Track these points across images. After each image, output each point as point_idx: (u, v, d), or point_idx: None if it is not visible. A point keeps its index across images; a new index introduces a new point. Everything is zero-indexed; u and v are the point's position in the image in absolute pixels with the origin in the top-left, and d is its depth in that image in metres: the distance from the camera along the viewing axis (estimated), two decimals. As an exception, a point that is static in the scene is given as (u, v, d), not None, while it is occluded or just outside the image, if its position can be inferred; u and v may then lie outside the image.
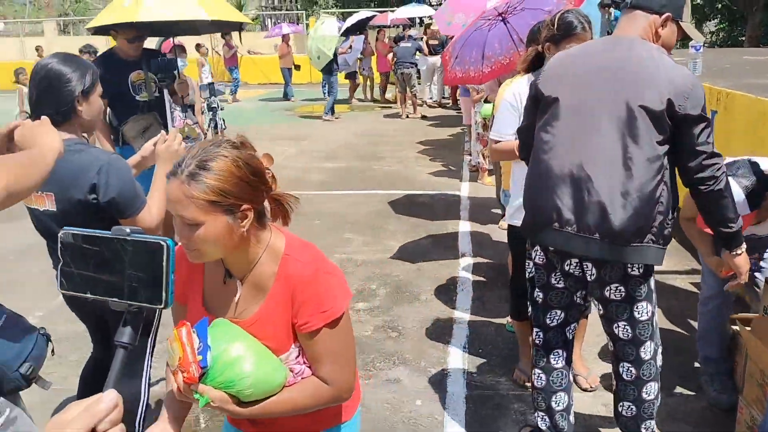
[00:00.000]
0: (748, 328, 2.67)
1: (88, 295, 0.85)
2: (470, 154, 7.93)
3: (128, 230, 0.84)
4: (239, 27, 4.77)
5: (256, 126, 12.05)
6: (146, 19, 4.00)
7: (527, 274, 2.50)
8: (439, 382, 3.27)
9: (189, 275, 1.55)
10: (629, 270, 2.16)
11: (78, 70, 2.17)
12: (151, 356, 2.53)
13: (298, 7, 27.34)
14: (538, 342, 2.48)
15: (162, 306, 0.81)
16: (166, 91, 4.01)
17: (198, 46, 13.80)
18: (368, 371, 3.38)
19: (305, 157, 9.10)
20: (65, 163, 2.08)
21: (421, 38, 13.92)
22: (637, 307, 2.22)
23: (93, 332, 2.63)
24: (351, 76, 15.25)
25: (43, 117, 1.76)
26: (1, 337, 1.53)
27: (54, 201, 2.15)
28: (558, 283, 2.35)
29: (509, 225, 3.15)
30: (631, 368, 2.31)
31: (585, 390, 3.13)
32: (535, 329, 2.49)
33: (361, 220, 6.02)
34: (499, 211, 5.80)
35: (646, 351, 2.28)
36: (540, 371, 2.47)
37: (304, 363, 1.48)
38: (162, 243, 0.80)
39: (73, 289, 0.86)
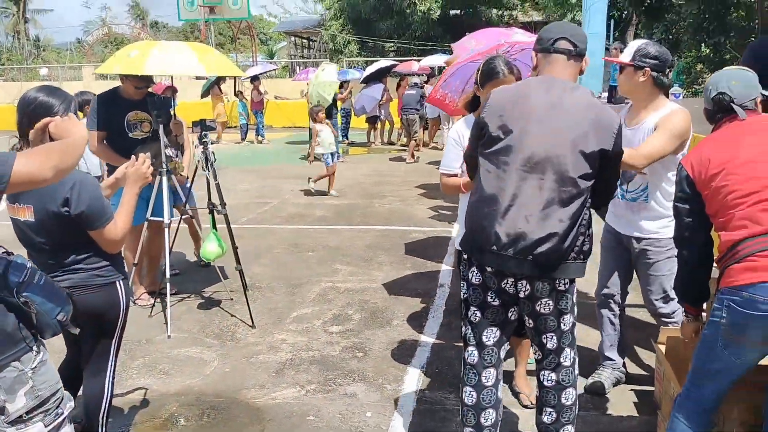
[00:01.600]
0: (663, 347, 2.87)
1: None
2: None
3: None
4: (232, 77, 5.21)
5: (272, 165, 12.57)
6: (150, 73, 4.42)
7: (462, 296, 2.70)
8: (391, 396, 3.48)
9: None
10: (557, 285, 2.39)
11: (64, 101, 2.47)
12: (116, 356, 2.82)
13: (325, 56, 28.33)
14: (471, 361, 2.60)
15: None
16: (161, 129, 4.42)
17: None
18: (328, 386, 3.61)
19: (311, 194, 9.48)
20: None
21: (422, 85, 14.46)
22: (563, 319, 2.45)
23: (65, 336, 2.92)
24: (371, 120, 15.78)
25: (69, 113, 2.18)
26: (42, 292, 1.96)
27: (33, 212, 2.45)
28: (494, 301, 2.51)
29: (456, 250, 3.39)
30: (551, 374, 2.51)
31: (526, 407, 3.31)
32: (469, 348, 2.62)
33: (353, 253, 6.31)
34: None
35: (566, 358, 2.50)
36: (471, 389, 2.60)
37: None
38: None
39: None
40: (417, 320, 4.55)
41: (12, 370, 1.86)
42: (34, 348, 1.94)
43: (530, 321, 2.50)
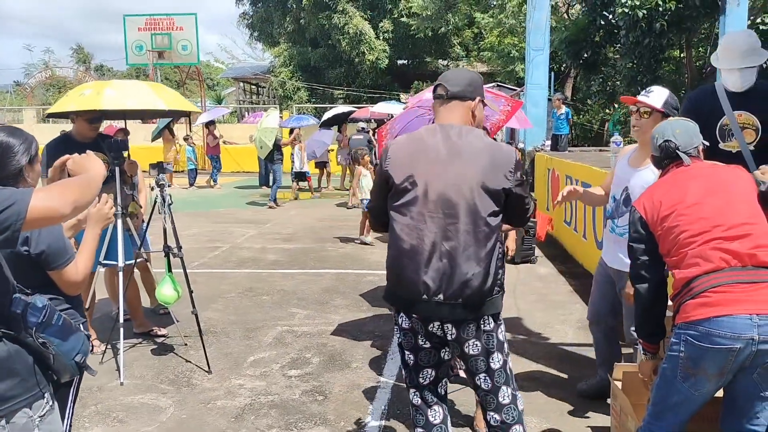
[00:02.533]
0: (619, 383, 2.97)
1: None
2: None
3: None
4: (188, 114, 5.23)
5: (222, 210, 12.46)
6: (110, 108, 4.39)
7: (397, 340, 2.68)
8: (354, 439, 3.47)
9: None
10: (482, 326, 2.45)
11: (24, 142, 2.42)
12: (74, 404, 2.73)
13: (274, 102, 28.52)
14: (416, 402, 2.64)
15: None
16: (117, 170, 4.38)
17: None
18: (289, 431, 3.57)
19: (264, 238, 9.42)
20: None
21: (368, 130, 14.74)
22: (492, 358, 2.48)
23: None
24: (320, 165, 15.88)
25: (87, 150, 2.17)
26: (61, 333, 1.92)
27: None
28: (425, 344, 2.55)
29: None
30: (495, 415, 2.53)
31: None
32: (411, 391, 2.66)
33: (308, 297, 6.28)
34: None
35: (504, 396, 2.52)
36: (421, 430, 2.63)
37: None
38: None
39: None
40: (376, 362, 4.55)
41: (22, 416, 1.81)
42: (46, 395, 1.90)
43: (462, 363, 2.56)
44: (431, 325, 2.48)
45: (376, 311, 5.78)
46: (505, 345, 2.54)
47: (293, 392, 4.06)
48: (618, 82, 16.68)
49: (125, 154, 4.44)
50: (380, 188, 2.57)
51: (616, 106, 17.18)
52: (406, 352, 2.61)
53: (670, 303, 2.51)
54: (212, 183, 16.72)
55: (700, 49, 14.73)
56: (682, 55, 14.75)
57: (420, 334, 2.53)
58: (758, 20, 12.07)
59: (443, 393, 2.67)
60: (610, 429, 3.42)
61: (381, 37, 26.56)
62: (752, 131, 3.29)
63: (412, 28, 24.66)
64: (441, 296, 2.38)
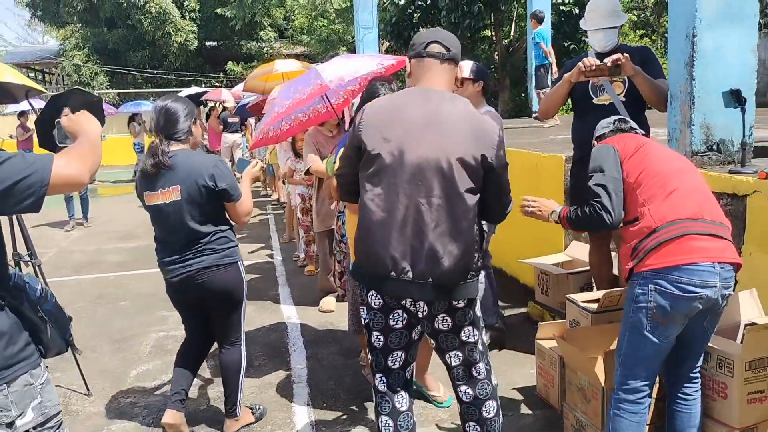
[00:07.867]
0: (554, 341, 3.04)
1: None
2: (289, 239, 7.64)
3: None
4: (25, 95, 4.45)
5: (32, 211, 10.92)
6: None
7: (363, 321, 2.48)
8: (289, 442, 3.18)
9: None
10: (454, 303, 2.30)
11: (189, 106, 3.01)
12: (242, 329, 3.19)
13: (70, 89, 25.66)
14: (381, 388, 2.45)
15: None
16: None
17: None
18: (212, 445, 3.18)
19: (95, 239, 8.43)
20: (188, 162, 2.90)
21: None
22: (463, 332, 2.35)
23: (186, 320, 3.29)
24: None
25: (82, 110, 2.11)
26: (56, 310, 1.94)
27: (179, 191, 2.87)
28: (396, 324, 2.37)
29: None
30: (468, 390, 2.42)
31: (441, 405, 3.36)
32: (377, 375, 2.46)
33: (173, 297, 5.69)
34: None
35: (479, 372, 2.41)
36: (387, 417, 2.44)
37: None
38: None
39: None
40: (280, 357, 4.24)
41: (23, 382, 1.79)
42: (42, 365, 1.86)
43: (432, 340, 2.42)
44: (404, 301, 2.31)
45: (256, 303, 5.40)
46: (480, 321, 2.42)
47: (200, 403, 3.63)
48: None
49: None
50: (351, 155, 2.33)
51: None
52: (375, 333, 2.40)
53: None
54: None
55: (505, 29, 15.83)
56: (492, 34, 15.74)
57: (392, 312, 2.34)
58: (559, 1, 13.14)
59: (410, 377, 2.51)
60: (536, 387, 3.51)
61: (187, 17, 25.04)
62: (620, 83, 3.63)
63: (231, 21, 23.49)
64: (410, 274, 2.20)
